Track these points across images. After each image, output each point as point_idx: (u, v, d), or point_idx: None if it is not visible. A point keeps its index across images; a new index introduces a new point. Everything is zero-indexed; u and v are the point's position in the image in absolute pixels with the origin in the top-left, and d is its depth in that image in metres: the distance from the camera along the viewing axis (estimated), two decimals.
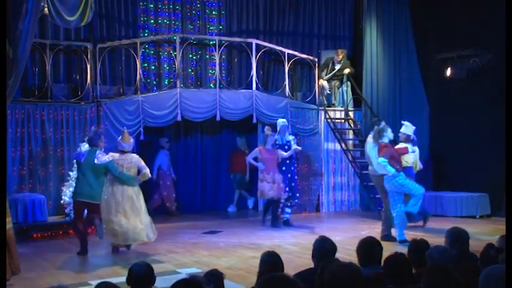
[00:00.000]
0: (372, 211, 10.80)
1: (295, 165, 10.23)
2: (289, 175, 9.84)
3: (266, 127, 10.05)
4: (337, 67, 11.88)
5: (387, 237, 8.10)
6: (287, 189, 9.71)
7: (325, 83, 11.87)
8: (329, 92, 11.97)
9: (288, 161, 9.85)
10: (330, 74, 11.94)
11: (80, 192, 7.66)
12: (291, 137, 10.14)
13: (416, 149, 9.22)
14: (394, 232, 8.16)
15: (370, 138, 8.54)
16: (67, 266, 7.14)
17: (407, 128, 9.21)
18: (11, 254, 6.14)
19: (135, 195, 7.77)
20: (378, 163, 8.02)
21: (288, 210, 9.89)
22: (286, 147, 9.88)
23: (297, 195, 10.10)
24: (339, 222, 10.36)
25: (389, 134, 8.25)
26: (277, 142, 9.83)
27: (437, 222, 8.82)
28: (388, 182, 8.03)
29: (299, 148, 10.02)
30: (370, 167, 8.68)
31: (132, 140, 8.18)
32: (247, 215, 11.32)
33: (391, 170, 7.85)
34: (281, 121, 10.14)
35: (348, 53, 12.43)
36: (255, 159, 9.80)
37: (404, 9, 12.24)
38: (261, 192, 9.65)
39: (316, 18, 12.84)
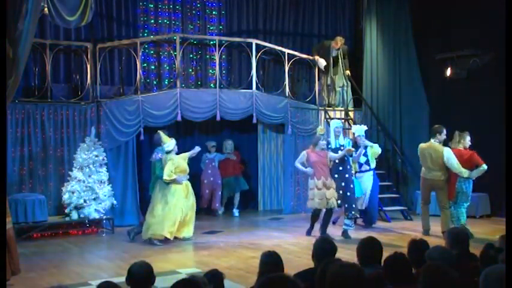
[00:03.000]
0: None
1: (351, 171, 8.95)
2: (342, 183, 8.67)
3: (319, 127, 9.48)
4: (334, 54, 11.77)
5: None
6: (338, 201, 8.65)
7: (321, 60, 11.66)
8: (325, 66, 11.66)
9: (341, 168, 8.67)
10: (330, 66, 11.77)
11: None
12: (346, 141, 9.07)
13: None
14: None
15: (439, 146, 8.58)
16: (67, 266, 7.14)
17: (362, 130, 9.49)
18: (11, 254, 6.13)
19: (169, 193, 8.40)
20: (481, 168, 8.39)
21: (347, 221, 8.75)
22: (339, 152, 8.76)
23: (354, 206, 8.73)
24: (339, 222, 10.34)
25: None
26: (329, 146, 8.80)
27: (437, 222, 8.81)
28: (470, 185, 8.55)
29: (352, 150, 8.71)
30: (435, 172, 8.51)
31: (170, 140, 8.58)
32: (247, 215, 11.31)
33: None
34: (335, 122, 9.25)
35: (348, 53, 12.43)
36: (303, 164, 8.73)
37: (404, 9, 12.23)
38: (310, 202, 8.61)
39: (316, 18, 12.85)
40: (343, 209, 8.89)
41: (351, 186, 8.79)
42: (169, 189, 8.38)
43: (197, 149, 8.95)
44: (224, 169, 11.37)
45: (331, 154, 8.63)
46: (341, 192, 8.64)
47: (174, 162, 8.40)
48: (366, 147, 9.33)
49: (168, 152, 8.46)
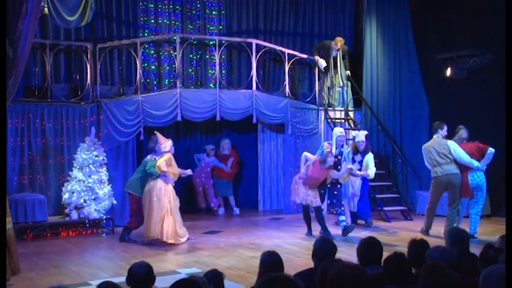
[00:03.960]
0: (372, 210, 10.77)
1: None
2: (329, 185, 9.02)
3: (325, 144, 9.19)
4: (334, 55, 11.74)
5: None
6: (325, 197, 8.91)
7: (321, 60, 11.66)
8: (325, 67, 11.67)
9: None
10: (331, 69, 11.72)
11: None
12: (346, 150, 9.39)
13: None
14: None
15: (442, 139, 8.56)
16: (67, 266, 7.14)
17: (363, 136, 9.51)
18: (11, 254, 6.14)
19: (153, 191, 8.30)
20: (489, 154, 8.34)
21: (342, 218, 8.96)
22: (336, 159, 8.99)
23: (342, 202, 9.13)
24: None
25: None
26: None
27: (437, 222, 8.82)
28: (484, 177, 8.45)
29: (351, 167, 9.01)
30: (447, 166, 8.38)
31: (167, 141, 8.59)
32: (247, 215, 11.30)
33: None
34: (338, 131, 9.51)
35: (348, 53, 12.43)
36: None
37: (404, 9, 12.25)
38: (295, 196, 8.80)
39: (316, 18, 12.84)
40: (326, 204, 9.11)
41: (338, 186, 9.06)
42: (155, 186, 8.27)
43: (189, 172, 8.99)
44: (217, 170, 11.37)
45: (334, 173, 8.73)
46: (322, 191, 8.85)
47: (170, 160, 8.39)
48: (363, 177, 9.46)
49: (165, 153, 8.47)
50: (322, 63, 11.67)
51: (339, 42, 11.69)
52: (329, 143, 9.30)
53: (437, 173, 8.46)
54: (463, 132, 8.63)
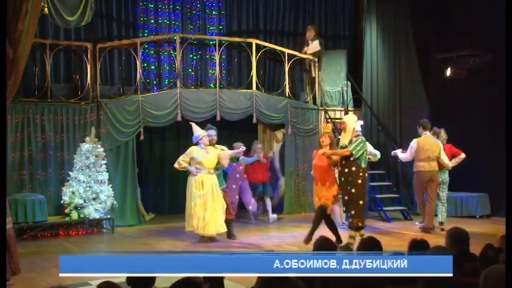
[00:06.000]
0: (371, 210, 10.78)
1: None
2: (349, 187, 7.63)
3: (323, 125, 9.19)
4: (311, 44, 11.70)
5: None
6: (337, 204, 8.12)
7: (311, 46, 11.67)
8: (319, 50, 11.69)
9: (346, 170, 7.61)
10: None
11: None
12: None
13: None
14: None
15: (435, 139, 9.16)
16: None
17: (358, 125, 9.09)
18: (11, 254, 6.14)
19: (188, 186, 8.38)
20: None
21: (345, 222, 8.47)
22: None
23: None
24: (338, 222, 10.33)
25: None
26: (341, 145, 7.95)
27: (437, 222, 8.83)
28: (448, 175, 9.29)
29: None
30: (432, 163, 8.99)
31: (197, 132, 8.52)
32: (247, 215, 11.29)
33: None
34: (346, 118, 8.16)
35: (348, 52, 12.43)
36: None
37: (404, 9, 12.23)
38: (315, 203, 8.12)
39: (316, 18, 12.84)
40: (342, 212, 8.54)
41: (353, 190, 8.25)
42: (187, 182, 8.37)
43: (242, 149, 8.83)
44: (253, 174, 10.46)
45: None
46: (346, 198, 7.81)
47: (190, 153, 8.37)
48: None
49: (196, 144, 8.45)
50: (315, 46, 11.61)
51: (311, 28, 11.69)
52: (325, 121, 9.08)
53: (425, 168, 8.95)
54: (443, 134, 9.38)
